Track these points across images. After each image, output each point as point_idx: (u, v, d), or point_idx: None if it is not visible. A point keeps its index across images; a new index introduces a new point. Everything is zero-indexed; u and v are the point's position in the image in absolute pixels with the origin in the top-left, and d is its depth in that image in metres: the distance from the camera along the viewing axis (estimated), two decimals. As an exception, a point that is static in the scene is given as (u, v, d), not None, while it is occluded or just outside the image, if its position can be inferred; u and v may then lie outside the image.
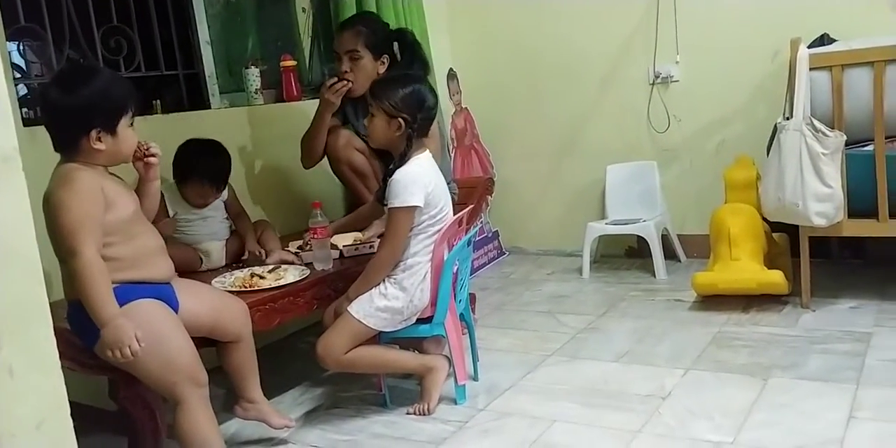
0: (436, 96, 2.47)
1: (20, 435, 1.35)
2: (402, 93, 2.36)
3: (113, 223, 1.93)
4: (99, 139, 1.92)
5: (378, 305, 2.37)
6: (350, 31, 2.97)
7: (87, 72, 2.05)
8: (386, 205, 2.36)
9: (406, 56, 3.04)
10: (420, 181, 2.34)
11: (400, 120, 2.35)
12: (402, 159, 2.38)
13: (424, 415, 2.44)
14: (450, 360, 2.52)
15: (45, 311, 1.43)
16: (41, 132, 1.99)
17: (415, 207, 2.32)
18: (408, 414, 2.46)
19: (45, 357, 1.43)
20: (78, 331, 1.93)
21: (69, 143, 1.94)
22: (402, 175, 2.34)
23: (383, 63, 2.98)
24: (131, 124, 2.00)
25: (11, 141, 1.39)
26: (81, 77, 1.97)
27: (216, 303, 2.18)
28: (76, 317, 1.92)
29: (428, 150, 2.47)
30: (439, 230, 2.40)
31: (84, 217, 1.86)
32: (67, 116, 1.92)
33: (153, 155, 2.09)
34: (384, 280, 2.40)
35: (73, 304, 1.94)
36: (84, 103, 1.90)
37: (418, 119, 2.36)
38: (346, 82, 2.90)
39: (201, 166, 2.62)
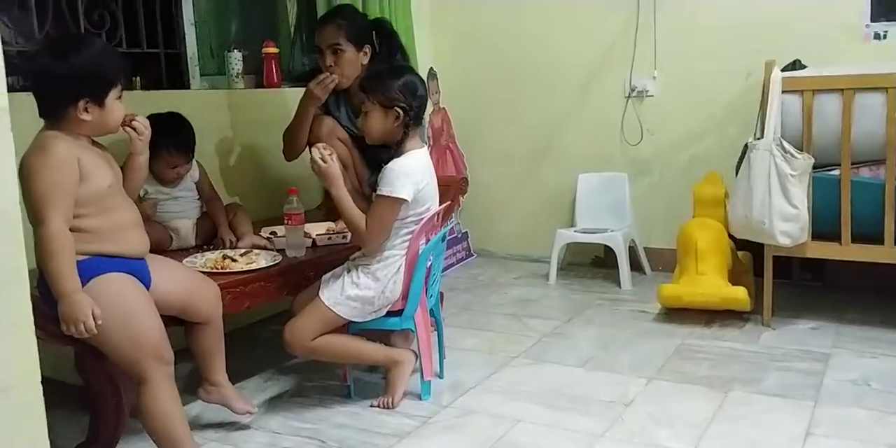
0: (424, 84, 2.48)
1: (-13, 398, 1.32)
2: (396, 83, 2.37)
3: (87, 195, 1.90)
4: (86, 110, 1.90)
5: (349, 294, 2.36)
6: (331, 25, 2.96)
7: (80, 41, 2.02)
8: (375, 191, 2.35)
9: (384, 46, 3.05)
10: (413, 176, 2.34)
11: (397, 109, 2.35)
12: (399, 149, 2.37)
13: (388, 408, 2.43)
14: (417, 355, 2.52)
15: (23, 273, 1.41)
16: (18, 99, 1.94)
17: (402, 200, 2.32)
18: (371, 407, 2.45)
19: (19, 320, 1.40)
20: (47, 300, 1.88)
21: (55, 111, 1.90)
22: (397, 165, 2.34)
23: (366, 54, 2.97)
24: (119, 97, 1.97)
25: (2, 101, 1.36)
26: (74, 45, 1.94)
27: (189, 283, 2.15)
28: (46, 286, 1.88)
29: (426, 147, 2.47)
30: (419, 225, 2.40)
31: (54, 187, 1.83)
32: (57, 84, 1.89)
33: (134, 127, 2.06)
34: (357, 269, 2.39)
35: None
36: (74, 72, 1.88)
37: (414, 107, 2.37)
38: (334, 77, 2.89)
39: (166, 136, 2.54)
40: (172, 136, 2.58)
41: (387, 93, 2.35)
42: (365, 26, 3.04)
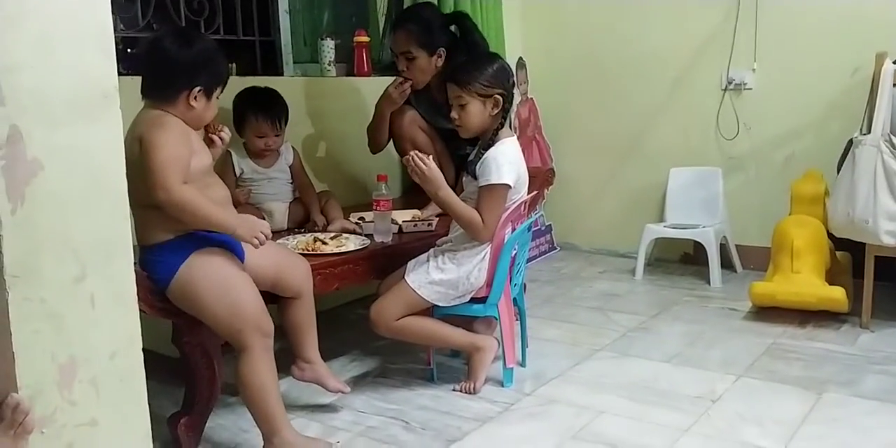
0: (511, 70, 2.48)
1: (95, 362, 1.38)
2: (490, 70, 2.37)
3: (193, 170, 1.96)
4: (196, 98, 1.96)
5: (433, 278, 2.37)
6: (401, 32, 2.97)
7: (201, 36, 2.13)
8: (476, 182, 2.36)
9: (463, 41, 3.04)
10: (515, 161, 2.36)
11: (497, 96, 2.36)
12: (494, 138, 2.38)
13: (470, 393, 2.44)
14: (499, 342, 2.52)
15: (128, 245, 1.46)
16: (123, 83, 2.01)
17: (507, 186, 2.33)
18: (454, 391, 2.46)
19: (124, 290, 1.45)
20: (150, 273, 1.96)
21: (168, 94, 1.96)
22: (497, 152, 2.35)
23: (440, 56, 2.97)
24: (218, 98, 2.05)
25: (112, 80, 1.41)
26: (197, 37, 2.05)
27: (280, 257, 2.20)
28: (149, 260, 1.97)
29: (515, 136, 2.48)
30: (506, 213, 2.40)
31: (175, 158, 1.90)
32: (178, 67, 1.95)
33: (221, 138, 2.15)
34: (443, 254, 2.40)
35: (147, 248, 1.98)
36: (199, 59, 1.96)
37: (510, 92, 2.38)
38: (410, 83, 2.95)
39: (256, 102, 2.67)
40: (261, 104, 2.67)
41: (483, 81, 2.35)
42: (440, 26, 3.02)
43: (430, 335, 2.47)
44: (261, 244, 1.99)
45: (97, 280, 1.38)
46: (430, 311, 2.45)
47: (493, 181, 2.32)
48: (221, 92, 2.05)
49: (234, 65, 3.24)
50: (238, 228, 1.96)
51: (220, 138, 2.15)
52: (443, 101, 3.03)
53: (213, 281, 1.95)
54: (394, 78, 3.01)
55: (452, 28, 3.06)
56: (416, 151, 2.39)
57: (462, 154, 2.79)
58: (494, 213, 2.34)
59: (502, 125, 2.40)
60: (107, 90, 1.40)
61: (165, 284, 1.95)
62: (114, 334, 1.42)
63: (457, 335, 2.52)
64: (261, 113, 2.67)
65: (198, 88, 1.95)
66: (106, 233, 1.41)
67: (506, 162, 2.33)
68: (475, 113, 2.38)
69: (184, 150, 1.92)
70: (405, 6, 3.53)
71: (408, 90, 2.96)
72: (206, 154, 2.06)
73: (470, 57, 2.69)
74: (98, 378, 1.37)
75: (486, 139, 2.40)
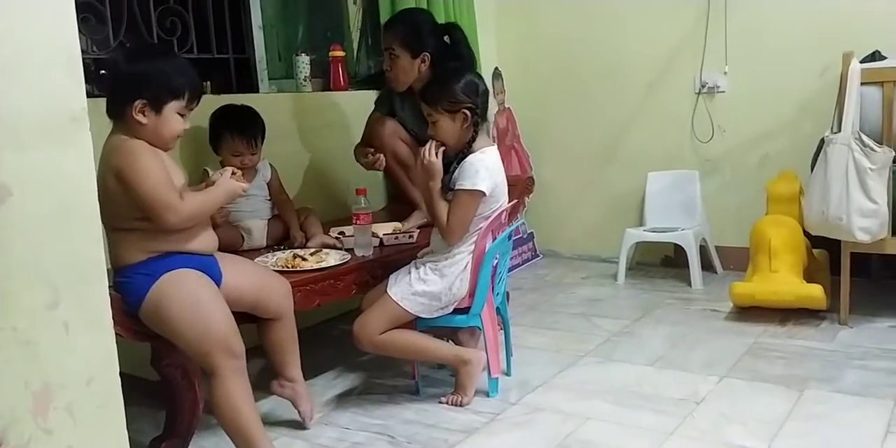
0: (483, 80, 2.49)
1: (70, 389, 1.37)
2: (457, 86, 2.38)
3: None
4: (142, 112, 1.93)
5: (416, 290, 2.38)
6: (390, 30, 3.02)
7: (156, 49, 2.10)
8: (452, 188, 2.38)
9: (453, 50, 3.06)
10: (491, 168, 2.38)
11: (464, 111, 2.38)
12: (470, 148, 2.40)
13: (459, 406, 2.44)
14: (487, 354, 2.52)
15: (102, 269, 1.45)
16: (95, 105, 2.01)
17: (481, 193, 2.34)
18: (440, 403, 2.46)
19: (99, 314, 1.45)
20: (123, 295, 1.96)
21: (116, 111, 1.96)
22: (475, 159, 2.37)
23: (423, 61, 2.98)
24: (183, 114, 2.00)
25: (81, 103, 1.41)
26: (148, 52, 2.05)
27: (259, 279, 2.19)
28: (122, 281, 1.97)
29: (495, 146, 2.50)
30: (486, 221, 2.41)
31: (162, 178, 1.93)
32: (121, 82, 1.96)
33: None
34: (425, 266, 2.41)
35: (120, 270, 1.97)
36: (138, 72, 1.94)
37: (479, 105, 2.40)
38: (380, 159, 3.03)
39: (232, 121, 2.67)
40: (237, 123, 2.68)
41: (450, 99, 2.38)
42: (430, 32, 3.04)
43: (416, 349, 2.47)
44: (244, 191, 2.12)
45: (71, 305, 1.37)
46: (413, 323, 2.45)
47: (467, 187, 2.33)
48: (187, 107, 2.00)
49: (208, 83, 3.24)
50: (224, 195, 2.06)
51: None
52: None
53: (183, 302, 1.94)
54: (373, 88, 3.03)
55: (446, 38, 3.07)
56: (435, 143, 2.40)
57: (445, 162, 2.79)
58: (460, 217, 2.35)
59: (474, 138, 2.41)
60: (75, 113, 1.40)
61: (137, 306, 1.95)
62: (89, 360, 1.41)
63: (442, 349, 2.52)
64: (236, 132, 2.67)
65: (140, 102, 1.92)
66: (79, 257, 1.40)
67: (482, 168, 2.35)
68: (446, 128, 2.40)
69: (163, 171, 1.94)
70: (380, 21, 3.55)
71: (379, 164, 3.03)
72: (178, 173, 2.06)
73: (437, 74, 2.71)
74: (74, 405, 1.36)
75: (460, 151, 2.41)
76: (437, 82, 2.47)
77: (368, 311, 2.42)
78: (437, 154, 2.38)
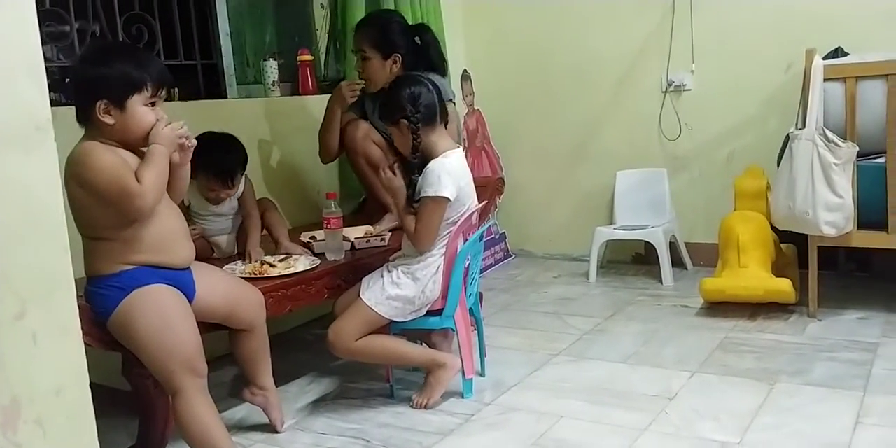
0: (435, 87, 2.50)
1: (39, 401, 1.36)
2: (395, 98, 2.44)
3: None
4: (108, 112, 1.90)
5: (390, 294, 2.38)
6: (359, 32, 3.03)
7: (111, 47, 2.06)
8: (416, 198, 2.39)
9: (425, 51, 3.08)
10: (454, 173, 2.39)
11: (402, 120, 2.42)
12: (428, 153, 2.42)
13: (423, 408, 2.44)
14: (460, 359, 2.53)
15: (70, 279, 1.44)
16: (62, 114, 1.99)
17: (445, 199, 2.35)
18: (411, 407, 2.46)
19: (68, 325, 1.43)
20: (92, 305, 1.94)
21: (84, 115, 1.93)
22: (437, 165, 2.38)
23: (395, 62, 2.99)
24: (149, 104, 1.95)
25: (45, 112, 1.40)
26: (103, 51, 2.00)
27: (233, 291, 2.18)
28: (93, 292, 1.95)
29: (461, 148, 2.53)
30: (456, 225, 2.42)
31: (117, 168, 1.88)
32: (81, 86, 1.94)
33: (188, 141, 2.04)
34: (397, 269, 2.42)
35: (93, 280, 1.96)
36: (95, 74, 1.90)
37: (415, 112, 2.41)
38: (362, 84, 3.03)
39: (209, 160, 2.48)
40: (214, 161, 2.52)
41: (392, 111, 2.43)
42: (400, 33, 3.05)
43: (391, 355, 2.48)
44: (185, 138, 1.98)
45: (39, 316, 1.36)
46: (387, 327, 2.45)
47: (430, 194, 2.34)
48: (152, 98, 1.94)
49: (176, 90, 3.22)
50: (167, 148, 1.95)
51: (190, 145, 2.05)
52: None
53: (151, 320, 1.92)
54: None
55: (416, 39, 3.09)
56: (391, 167, 2.46)
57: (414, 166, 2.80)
58: (426, 224, 2.37)
59: (416, 148, 2.42)
60: (39, 122, 1.39)
61: (105, 318, 1.93)
62: (59, 371, 1.40)
63: (418, 353, 2.53)
64: (213, 172, 2.55)
65: (102, 103, 1.88)
66: (46, 267, 1.39)
67: (444, 173, 2.35)
68: (398, 139, 2.47)
69: (118, 163, 1.89)
70: (350, 23, 3.55)
71: (358, 90, 3.00)
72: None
73: (389, 88, 2.72)
74: (44, 417, 1.35)
75: (417, 158, 2.43)
76: (385, 96, 2.54)
77: (342, 317, 2.41)
78: (394, 171, 2.42)
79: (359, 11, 3.52)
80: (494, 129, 4.37)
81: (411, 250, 2.45)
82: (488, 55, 4.36)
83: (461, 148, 2.54)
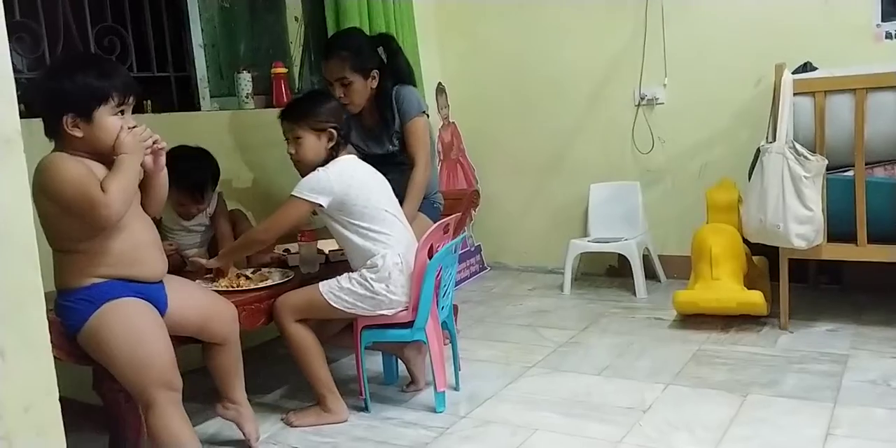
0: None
1: (7, 417, 1.33)
2: (324, 107, 2.49)
3: None
4: (76, 125, 1.88)
5: (343, 286, 2.40)
6: (335, 59, 2.98)
7: (75, 59, 2.04)
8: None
9: (390, 62, 3.09)
10: (337, 180, 2.39)
11: (330, 130, 2.45)
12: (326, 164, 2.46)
13: (287, 424, 2.47)
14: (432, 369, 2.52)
15: (39, 293, 1.42)
16: (30, 125, 1.97)
17: (309, 204, 2.38)
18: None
19: (37, 340, 1.41)
20: (63, 318, 1.92)
21: (51, 128, 1.92)
22: (321, 172, 2.42)
23: (374, 78, 3.01)
24: (119, 114, 1.93)
25: (14, 123, 1.38)
26: (67, 64, 1.98)
27: (206, 304, 2.16)
28: (63, 305, 1.93)
29: (355, 155, 2.60)
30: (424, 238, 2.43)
31: (81, 179, 1.85)
32: (46, 100, 1.91)
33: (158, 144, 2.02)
34: (357, 270, 2.43)
35: (63, 293, 1.93)
36: (59, 88, 1.88)
37: (343, 126, 2.48)
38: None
39: (179, 174, 2.41)
40: (183, 176, 2.50)
41: (317, 118, 2.46)
42: (370, 48, 3.06)
43: (304, 360, 2.44)
44: (155, 143, 1.96)
45: (7, 332, 1.34)
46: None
47: (294, 192, 2.40)
48: (120, 107, 1.92)
49: (149, 102, 3.20)
50: (135, 155, 1.92)
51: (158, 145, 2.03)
52: (373, 123, 3.06)
53: (122, 333, 1.90)
54: None
55: (380, 50, 3.09)
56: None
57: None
58: (278, 219, 2.42)
59: (334, 156, 2.47)
60: (8, 135, 1.37)
61: (76, 331, 1.91)
62: (27, 386, 1.38)
63: (324, 379, 2.46)
64: (182, 186, 2.55)
65: (68, 117, 1.87)
66: (14, 282, 1.37)
67: (324, 179, 2.39)
68: (309, 145, 2.47)
69: (82, 173, 1.86)
70: (326, 35, 3.55)
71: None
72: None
73: (306, 95, 2.78)
74: (12, 434, 1.33)
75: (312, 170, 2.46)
76: (306, 101, 2.56)
77: (294, 291, 2.43)
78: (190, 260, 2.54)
79: (336, 25, 3.52)
80: (469, 141, 4.39)
81: (357, 263, 2.44)
82: (463, 68, 4.38)
83: (355, 155, 2.61)
